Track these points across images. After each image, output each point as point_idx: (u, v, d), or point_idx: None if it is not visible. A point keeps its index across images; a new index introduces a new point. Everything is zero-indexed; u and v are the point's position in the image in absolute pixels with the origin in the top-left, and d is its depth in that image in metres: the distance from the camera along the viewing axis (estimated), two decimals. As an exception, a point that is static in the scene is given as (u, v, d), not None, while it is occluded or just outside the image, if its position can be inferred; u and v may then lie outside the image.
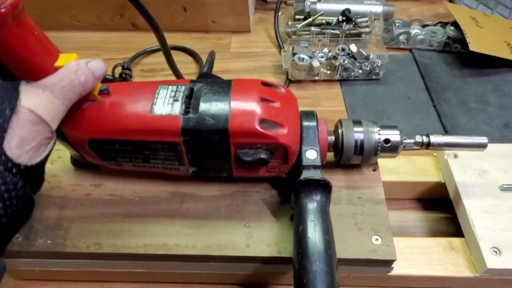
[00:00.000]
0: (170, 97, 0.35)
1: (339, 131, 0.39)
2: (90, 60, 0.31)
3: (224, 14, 0.74)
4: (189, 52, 0.71)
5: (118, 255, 0.37)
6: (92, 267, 0.40)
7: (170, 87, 0.36)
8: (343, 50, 0.65)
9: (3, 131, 0.25)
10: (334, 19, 0.70)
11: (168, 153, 0.36)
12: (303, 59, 0.62)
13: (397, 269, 0.38)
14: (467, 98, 0.61)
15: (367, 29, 0.69)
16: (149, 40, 0.69)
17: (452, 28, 0.68)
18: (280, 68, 0.67)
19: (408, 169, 0.46)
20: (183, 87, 0.36)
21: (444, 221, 0.47)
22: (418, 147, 0.39)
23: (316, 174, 0.35)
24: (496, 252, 0.37)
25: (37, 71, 0.29)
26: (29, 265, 0.40)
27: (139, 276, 0.41)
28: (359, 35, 0.69)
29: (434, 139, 0.38)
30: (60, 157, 0.44)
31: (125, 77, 0.64)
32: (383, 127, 0.39)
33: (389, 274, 0.38)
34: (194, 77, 0.62)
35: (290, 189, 0.36)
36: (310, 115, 0.38)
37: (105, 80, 0.34)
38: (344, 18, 0.70)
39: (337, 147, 0.39)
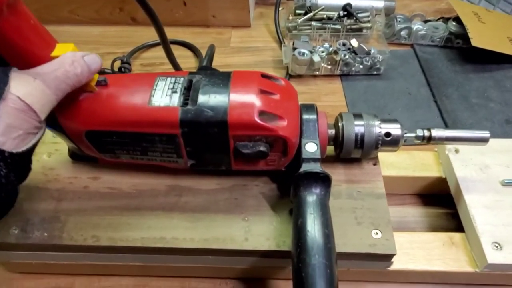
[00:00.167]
0: (168, 88, 0.35)
1: (340, 124, 0.38)
2: (87, 53, 0.31)
3: (225, 9, 0.73)
4: (189, 46, 0.71)
5: (115, 248, 0.37)
6: (89, 260, 0.40)
7: (169, 78, 0.36)
8: (344, 45, 0.64)
9: None
10: (335, 14, 0.70)
11: (166, 146, 0.35)
12: (303, 53, 0.62)
13: (397, 264, 0.37)
14: (468, 94, 0.61)
15: (368, 24, 0.69)
16: (149, 34, 0.68)
17: (454, 23, 0.68)
18: (281, 63, 0.66)
19: (408, 164, 0.46)
20: (182, 78, 0.36)
21: (445, 216, 0.46)
22: (419, 141, 0.39)
23: (315, 167, 0.34)
24: (497, 247, 0.37)
25: (34, 61, 0.29)
26: (25, 257, 0.39)
27: (137, 269, 0.41)
28: (360, 30, 0.69)
29: (436, 133, 0.38)
30: (58, 150, 0.44)
31: (124, 71, 0.64)
32: (384, 120, 0.39)
33: (389, 268, 0.38)
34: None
35: (289, 182, 0.35)
36: (310, 108, 0.38)
37: (104, 74, 0.34)
38: (345, 13, 0.70)
39: (337, 140, 0.39)
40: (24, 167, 0.29)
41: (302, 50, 0.62)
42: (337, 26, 0.68)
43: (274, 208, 0.38)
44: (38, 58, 0.29)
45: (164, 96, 0.34)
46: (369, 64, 0.63)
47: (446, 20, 0.70)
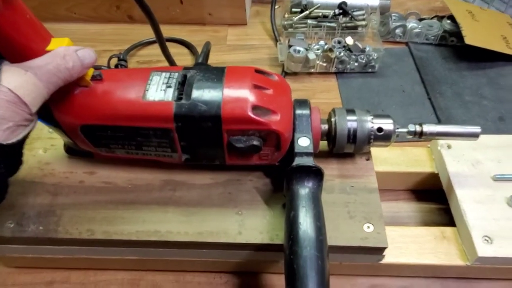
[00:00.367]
0: (163, 83, 0.35)
1: (332, 119, 0.39)
2: (81, 48, 0.31)
3: (221, 7, 0.74)
4: (186, 44, 0.71)
5: (110, 242, 0.37)
6: (85, 254, 0.40)
7: (164, 73, 0.36)
8: (339, 42, 0.65)
9: None
10: (331, 12, 0.70)
11: (161, 140, 0.36)
12: (299, 51, 0.62)
13: (389, 258, 0.38)
14: (462, 91, 0.61)
15: (363, 22, 0.69)
16: (145, 32, 0.68)
17: (448, 21, 0.69)
18: (276, 61, 0.67)
19: (402, 160, 0.47)
20: (177, 73, 0.36)
21: (437, 211, 0.47)
22: (411, 136, 0.39)
23: (308, 161, 0.35)
24: (487, 240, 0.37)
25: (29, 55, 0.29)
26: (21, 251, 0.40)
27: (132, 263, 0.41)
28: (355, 28, 0.69)
29: (427, 128, 0.39)
30: (54, 145, 0.44)
31: (121, 68, 0.64)
32: (376, 116, 0.39)
33: (380, 262, 0.38)
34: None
35: (282, 176, 0.36)
36: (303, 103, 0.38)
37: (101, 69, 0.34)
38: (341, 11, 0.70)
39: (330, 135, 0.39)
40: (15, 160, 0.29)
41: (298, 48, 0.62)
42: (333, 24, 0.68)
43: (267, 202, 0.39)
44: (34, 52, 0.30)
45: (159, 91, 0.35)
46: (364, 61, 0.64)
47: (440, 18, 0.71)
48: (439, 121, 0.57)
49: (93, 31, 0.75)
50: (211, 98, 0.34)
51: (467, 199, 0.40)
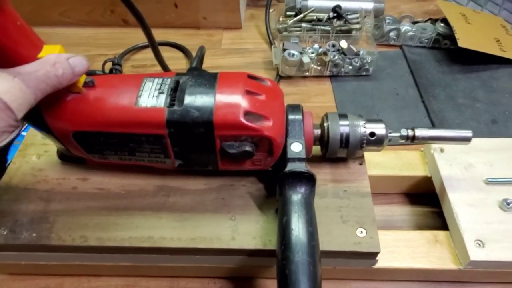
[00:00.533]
0: (155, 89, 0.35)
1: (325, 124, 0.39)
2: (73, 55, 0.31)
3: (215, 11, 0.74)
4: (180, 48, 0.71)
5: (103, 248, 0.37)
6: (78, 260, 0.40)
7: (156, 79, 0.36)
8: (333, 46, 0.65)
9: None
10: (325, 16, 0.71)
11: (154, 146, 0.36)
12: (293, 54, 0.62)
13: (382, 262, 0.38)
14: (455, 94, 0.61)
15: (357, 26, 0.70)
16: (140, 36, 0.68)
17: (442, 24, 0.69)
18: (271, 64, 0.67)
19: (395, 163, 0.47)
20: (169, 79, 0.36)
21: (431, 215, 0.47)
22: (403, 141, 0.39)
23: (300, 167, 0.35)
24: (479, 244, 0.37)
25: (20, 62, 0.29)
26: (14, 258, 0.39)
27: (126, 269, 0.41)
28: (349, 31, 0.69)
29: (419, 132, 0.39)
30: (47, 151, 0.44)
31: (115, 72, 0.64)
32: (369, 120, 0.39)
33: (374, 266, 0.38)
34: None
35: (275, 181, 0.36)
36: (296, 108, 0.39)
37: (94, 75, 0.34)
38: (335, 14, 0.71)
39: (323, 140, 0.39)
40: None
41: (292, 51, 0.63)
42: (327, 28, 0.69)
43: (261, 207, 0.39)
44: (25, 59, 0.30)
45: (151, 97, 0.35)
46: (358, 65, 0.64)
47: (434, 21, 0.71)
48: (433, 124, 0.57)
49: (87, 35, 0.75)
50: (203, 104, 0.34)
51: (459, 203, 0.41)
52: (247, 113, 0.34)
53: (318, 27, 0.69)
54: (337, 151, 0.39)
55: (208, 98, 0.34)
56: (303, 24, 0.70)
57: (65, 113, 0.34)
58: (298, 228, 0.32)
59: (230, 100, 0.34)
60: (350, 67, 0.65)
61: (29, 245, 0.37)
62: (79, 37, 0.75)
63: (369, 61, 0.64)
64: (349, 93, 0.63)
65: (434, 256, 0.39)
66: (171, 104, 0.34)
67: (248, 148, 0.35)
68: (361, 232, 0.37)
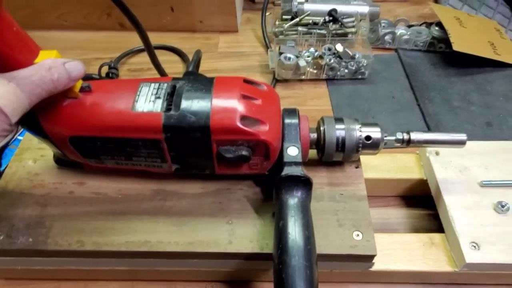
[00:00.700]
0: (152, 94, 0.35)
1: (321, 128, 0.39)
2: (69, 60, 0.31)
3: (212, 14, 0.74)
4: (177, 51, 0.72)
5: (100, 253, 0.37)
6: (75, 265, 0.40)
7: (153, 84, 0.36)
8: (329, 49, 0.65)
9: None
10: (321, 19, 0.71)
11: (150, 151, 0.36)
12: (289, 58, 0.63)
13: (379, 265, 0.38)
14: (450, 97, 0.62)
15: (353, 29, 0.70)
16: (137, 39, 0.68)
17: (436, 28, 0.69)
18: (267, 68, 0.67)
19: (391, 166, 0.47)
20: (165, 84, 0.36)
21: (427, 217, 0.47)
22: (399, 144, 0.40)
23: (297, 171, 0.35)
24: (475, 247, 0.38)
25: (16, 67, 0.29)
26: (11, 263, 0.39)
27: (123, 274, 0.41)
28: (345, 35, 0.70)
29: (415, 136, 0.39)
30: (43, 156, 0.44)
31: (111, 76, 0.64)
32: (364, 124, 0.39)
33: (370, 269, 0.38)
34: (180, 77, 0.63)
35: (271, 185, 0.36)
36: (292, 112, 0.39)
37: (91, 80, 0.34)
38: (331, 18, 0.71)
39: (319, 144, 0.39)
40: None
41: (288, 55, 0.63)
42: (323, 31, 0.69)
43: (257, 211, 0.39)
44: (21, 64, 0.30)
45: (148, 102, 0.35)
46: (354, 68, 0.65)
47: (429, 25, 0.72)
48: (428, 127, 0.58)
49: (84, 39, 0.75)
50: (200, 109, 0.34)
51: (455, 206, 0.41)
52: (243, 118, 0.34)
53: (314, 30, 0.69)
54: (333, 155, 0.39)
55: (204, 102, 0.34)
56: (299, 28, 0.70)
57: (61, 118, 0.34)
58: (294, 232, 0.32)
59: (226, 105, 0.34)
60: (346, 71, 0.65)
61: (25, 250, 0.37)
62: (76, 40, 0.75)
63: (364, 64, 0.64)
64: (345, 96, 0.63)
65: (430, 258, 0.39)
66: (168, 109, 0.34)
67: (244, 153, 0.35)
68: (358, 235, 0.37)
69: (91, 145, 0.36)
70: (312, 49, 0.66)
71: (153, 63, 0.54)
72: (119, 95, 0.35)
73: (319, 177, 0.42)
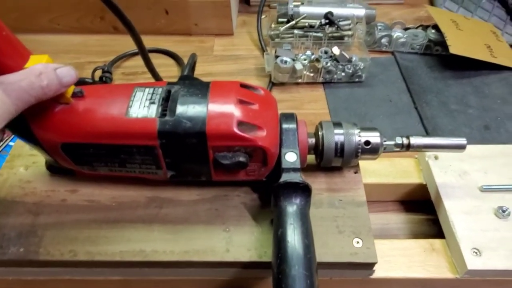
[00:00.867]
0: (146, 99, 0.34)
1: (320, 133, 0.38)
2: (60, 66, 0.30)
3: (207, 17, 0.73)
4: (171, 55, 0.71)
5: (93, 263, 0.36)
6: (68, 275, 0.39)
7: (147, 89, 0.35)
8: (325, 52, 0.65)
9: None
10: (317, 22, 0.71)
11: (145, 157, 0.35)
12: (285, 61, 0.62)
13: (379, 272, 0.38)
14: (448, 100, 0.62)
15: (349, 32, 0.70)
16: (131, 43, 0.67)
17: (433, 31, 0.69)
18: (263, 71, 0.67)
19: (390, 171, 0.46)
20: (160, 89, 0.35)
21: (426, 222, 0.47)
22: (398, 149, 0.39)
23: (295, 177, 0.34)
24: (476, 253, 0.37)
25: (6, 72, 0.28)
26: (2, 274, 0.38)
27: (117, 284, 0.40)
28: (341, 38, 0.69)
29: (414, 140, 0.38)
30: (35, 163, 0.43)
31: (105, 80, 0.63)
32: (364, 129, 0.39)
33: (371, 277, 0.38)
34: (175, 80, 0.62)
35: (269, 192, 0.35)
36: (290, 117, 0.38)
37: (85, 84, 0.33)
38: (327, 21, 0.71)
39: (317, 149, 0.39)
40: None
41: (285, 58, 0.62)
42: (319, 34, 0.69)
43: (255, 218, 0.38)
44: (11, 69, 0.29)
45: (142, 107, 0.34)
46: (350, 71, 0.64)
47: (425, 27, 0.71)
48: (426, 131, 0.57)
49: (77, 42, 0.74)
50: (196, 114, 0.33)
51: (455, 211, 0.40)
52: (240, 123, 0.33)
53: (310, 33, 0.69)
54: (332, 160, 0.39)
55: (200, 108, 0.33)
56: (295, 31, 0.70)
57: (53, 124, 0.33)
58: (294, 240, 0.31)
59: (222, 110, 0.33)
60: (343, 74, 0.64)
61: (16, 260, 0.36)
62: (69, 44, 0.73)
63: (361, 67, 0.64)
64: (342, 99, 0.63)
65: (431, 265, 0.38)
66: (163, 115, 0.33)
67: (241, 159, 0.34)
68: (358, 242, 0.36)
69: (83, 152, 0.35)
70: (308, 52, 0.66)
71: (148, 67, 0.53)
72: (113, 101, 0.34)
73: (318, 183, 0.41)
